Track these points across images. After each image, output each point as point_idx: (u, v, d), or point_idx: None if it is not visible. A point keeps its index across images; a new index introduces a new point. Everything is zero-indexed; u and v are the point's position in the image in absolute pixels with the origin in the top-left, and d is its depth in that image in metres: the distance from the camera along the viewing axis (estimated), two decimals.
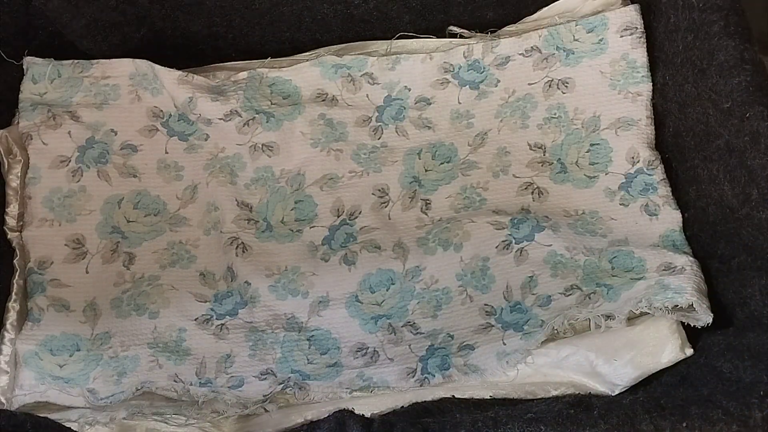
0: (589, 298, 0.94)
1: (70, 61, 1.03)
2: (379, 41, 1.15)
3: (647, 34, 1.06)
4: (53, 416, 0.88)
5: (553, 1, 1.13)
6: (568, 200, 1.05)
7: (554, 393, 0.94)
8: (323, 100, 1.12)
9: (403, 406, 0.92)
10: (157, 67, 1.05)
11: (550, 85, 1.08)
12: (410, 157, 1.10)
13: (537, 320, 0.96)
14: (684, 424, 0.79)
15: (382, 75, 1.13)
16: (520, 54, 1.08)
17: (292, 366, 0.99)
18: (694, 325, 0.88)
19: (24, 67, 1.02)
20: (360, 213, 1.07)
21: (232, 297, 1.02)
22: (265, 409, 0.96)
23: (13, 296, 0.96)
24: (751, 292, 0.86)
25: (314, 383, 0.98)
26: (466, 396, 0.93)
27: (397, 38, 1.15)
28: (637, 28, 1.06)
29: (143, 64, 1.05)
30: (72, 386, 0.95)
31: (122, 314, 0.98)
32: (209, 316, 1.00)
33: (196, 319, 0.99)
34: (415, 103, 1.13)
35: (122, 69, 1.05)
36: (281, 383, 0.98)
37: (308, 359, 0.99)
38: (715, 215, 0.95)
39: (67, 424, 0.86)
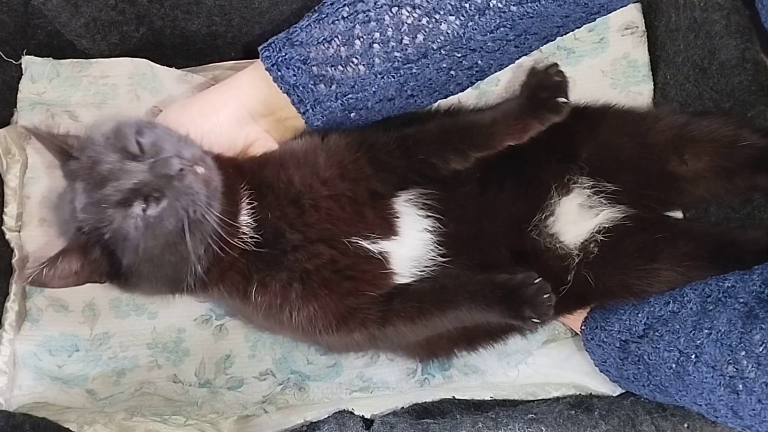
0: None
1: (69, 60, 1.03)
2: None
3: (648, 33, 1.06)
4: (52, 417, 0.88)
5: None
6: None
7: (555, 394, 0.94)
8: None
9: (403, 407, 0.92)
10: (157, 66, 1.04)
11: None
12: None
13: None
14: (685, 425, 0.79)
15: None
16: None
17: (292, 366, 0.98)
18: None
19: (23, 66, 1.02)
20: None
21: None
22: (264, 409, 0.96)
23: (12, 296, 0.96)
24: None
25: (314, 384, 0.98)
26: (466, 397, 0.93)
27: None
28: (638, 27, 1.06)
29: (142, 64, 1.04)
30: (71, 387, 0.95)
31: (121, 314, 0.98)
32: (209, 317, 0.99)
33: (195, 320, 0.99)
34: None
35: (121, 68, 1.04)
36: (281, 384, 0.98)
37: (308, 360, 0.99)
38: (717, 216, 0.95)
39: (66, 425, 0.87)
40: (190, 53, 1.08)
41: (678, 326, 0.77)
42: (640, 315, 0.82)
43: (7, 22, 0.98)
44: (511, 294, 0.76)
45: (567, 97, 0.76)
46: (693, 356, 0.73)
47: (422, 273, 0.82)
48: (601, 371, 0.89)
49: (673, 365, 0.75)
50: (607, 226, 0.87)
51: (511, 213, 0.86)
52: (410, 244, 0.82)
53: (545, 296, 0.75)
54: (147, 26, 1.01)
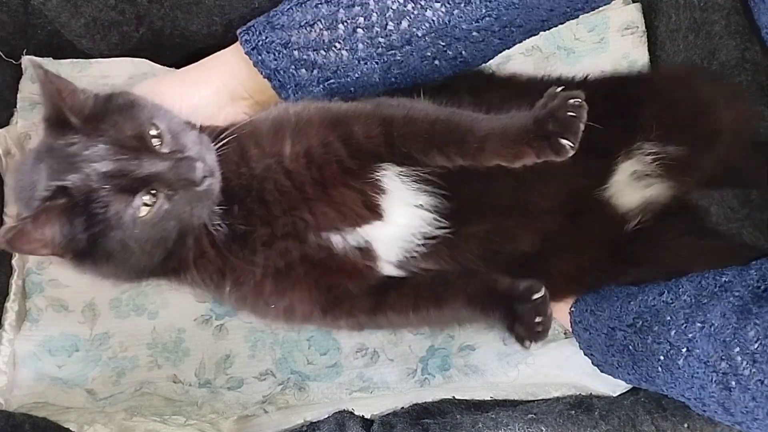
0: None
1: (69, 60, 1.03)
2: None
3: (648, 33, 1.06)
4: (52, 417, 0.88)
5: None
6: None
7: (555, 394, 0.94)
8: None
9: (403, 407, 0.92)
10: (157, 66, 1.04)
11: None
12: None
13: None
14: (685, 425, 0.79)
15: None
16: (520, 53, 1.08)
17: (292, 366, 0.98)
18: None
19: (23, 66, 1.02)
20: None
21: None
22: (264, 409, 0.96)
23: (12, 296, 0.96)
24: None
25: (314, 384, 0.98)
26: (466, 397, 0.93)
27: None
28: (638, 27, 1.06)
29: (142, 64, 1.04)
30: (71, 387, 0.95)
31: (121, 315, 0.98)
32: (209, 317, 0.99)
33: (195, 320, 0.99)
34: None
35: (121, 68, 1.04)
36: (281, 384, 0.98)
37: (308, 360, 0.99)
38: (717, 215, 0.95)
39: (66, 425, 0.86)
40: (190, 53, 1.08)
41: (669, 318, 0.75)
42: (632, 303, 0.80)
43: (7, 22, 0.98)
44: (508, 305, 0.72)
45: (575, 141, 0.67)
46: (684, 350, 0.72)
47: (414, 256, 0.76)
48: (585, 354, 0.88)
49: (662, 357, 0.74)
50: (654, 203, 0.85)
51: (562, 183, 0.81)
52: (399, 225, 0.75)
53: (539, 319, 0.70)
54: (147, 26, 1.01)
